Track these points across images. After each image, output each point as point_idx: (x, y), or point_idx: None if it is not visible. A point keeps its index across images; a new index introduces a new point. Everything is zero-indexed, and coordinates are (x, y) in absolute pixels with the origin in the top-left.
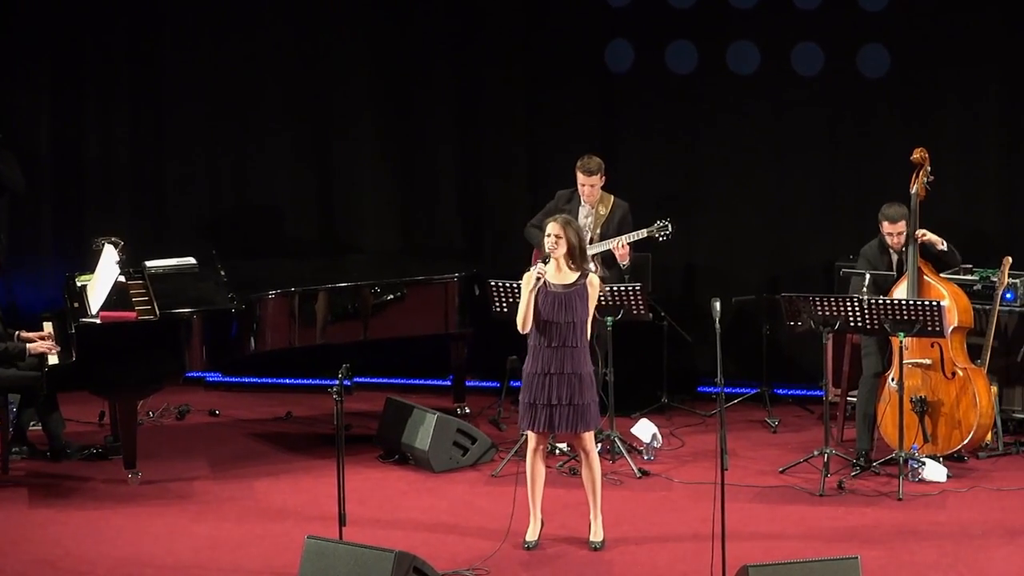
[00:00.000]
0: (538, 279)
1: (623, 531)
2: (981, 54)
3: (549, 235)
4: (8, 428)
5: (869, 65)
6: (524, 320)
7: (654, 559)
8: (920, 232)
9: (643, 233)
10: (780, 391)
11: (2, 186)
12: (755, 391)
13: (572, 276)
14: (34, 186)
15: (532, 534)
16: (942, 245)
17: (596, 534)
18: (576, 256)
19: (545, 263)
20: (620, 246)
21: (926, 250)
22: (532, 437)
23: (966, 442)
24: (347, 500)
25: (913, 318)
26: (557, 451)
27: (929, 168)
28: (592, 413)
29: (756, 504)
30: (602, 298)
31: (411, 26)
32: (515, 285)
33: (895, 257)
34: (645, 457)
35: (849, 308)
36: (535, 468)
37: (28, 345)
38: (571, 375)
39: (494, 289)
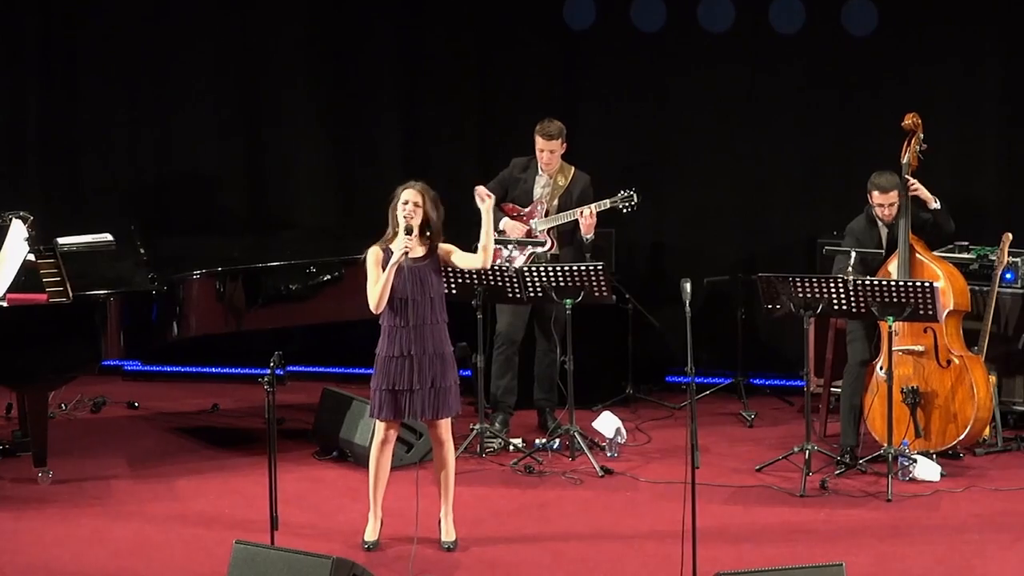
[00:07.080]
0: (405, 253)
1: (584, 535)
2: (978, 10)
3: (407, 202)
4: None
5: (855, 22)
6: (380, 299)
7: (618, 566)
8: (912, 184)
9: (606, 204)
10: (757, 381)
11: None
12: (729, 381)
13: (422, 249)
14: None
15: (372, 533)
16: (935, 203)
17: (448, 533)
18: (429, 228)
19: (408, 233)
20: (589, 215)
21: (916, 216)
22: (382, 427)
23: (962, 437)
24: (280, 501)
25: (904, 301)
26: (512, 448)
27: (922, 135)
28: (453, 396)
29: (730, 506)
30: (561, 278)
31: None
32: None
33: (884, 231)
34: (608, 454)
35: (833, 290)
36: (380, 461)
37: None
38: (432, 355)
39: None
